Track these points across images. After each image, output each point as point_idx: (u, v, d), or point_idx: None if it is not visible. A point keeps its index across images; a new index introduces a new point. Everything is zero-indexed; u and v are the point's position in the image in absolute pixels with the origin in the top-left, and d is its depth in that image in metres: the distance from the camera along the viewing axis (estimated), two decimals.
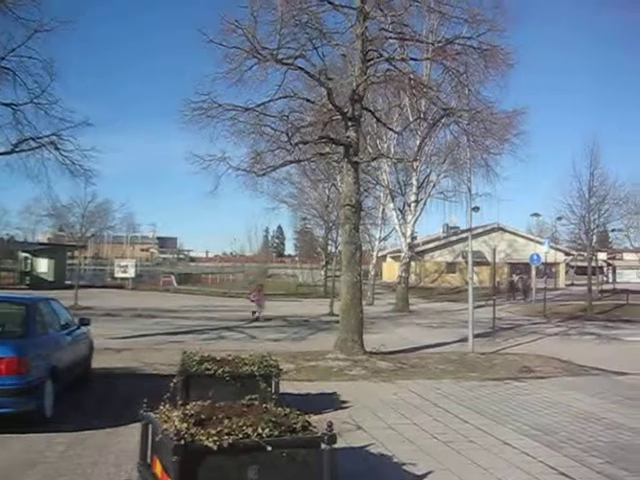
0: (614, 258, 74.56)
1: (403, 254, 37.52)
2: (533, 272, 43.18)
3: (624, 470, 7.22)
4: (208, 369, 7.92)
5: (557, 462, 7.47)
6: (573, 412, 10.41)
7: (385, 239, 46.40)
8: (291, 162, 19.49)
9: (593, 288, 39.42)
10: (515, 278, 48.27)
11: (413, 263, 49.98)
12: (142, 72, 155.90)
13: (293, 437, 4.65)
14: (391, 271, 60.62)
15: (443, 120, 19.41)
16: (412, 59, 18.03)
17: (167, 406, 5.10)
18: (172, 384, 7.25)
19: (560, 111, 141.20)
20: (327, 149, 19.12)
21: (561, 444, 8.31)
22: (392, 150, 34.04)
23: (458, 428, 9.10)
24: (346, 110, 16.10)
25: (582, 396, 11.88)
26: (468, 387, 12.66)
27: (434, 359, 16.23)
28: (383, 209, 40.13)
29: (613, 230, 56.09)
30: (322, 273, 49.76)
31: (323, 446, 4.61)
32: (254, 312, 26.32)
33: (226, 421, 4.63)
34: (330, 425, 4.67)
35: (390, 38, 17.29)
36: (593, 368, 15.44)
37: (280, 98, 16.58)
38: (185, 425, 4.51)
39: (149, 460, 5.18)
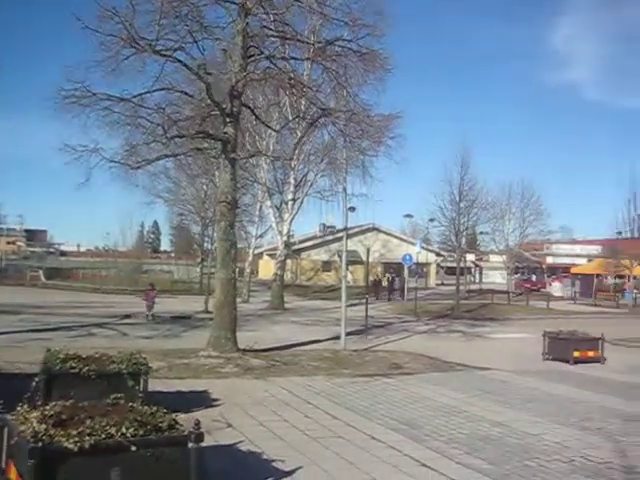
0: (481, 259, 78.22)
1: (279, 252, 37.66)
2: (406, 272, 44.56)
3: (481, 460, 7.61)
4: (73, 367, 7.62)
5: (420, 454, 7.74)
6: (438, 406, 10.83)
7: (262, 237, 46.40)
8: (167, 156, 19.12)
9: (461, 288, 41.19)
10: (381, 277, 49.61)
11: (289, 261, 50.36)
12: (21, 54, 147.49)
13: (159, 436, 4.58)
14: (267, 269, 60.74)
15: (321, 120, 19.58)
16: (293, 58, 18.17)
17: (25, 407, 4.85)
18: (34, 383, 6.93)
19: (434, 116, 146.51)
20: (205, 144, 18.85)
21: (425, 437, 8.62)
22: (271, 148, 34.10)
23: (328, 424, 9.23)
24: (225, 106, 15.96)
25: (447, 391, 12.38)
26: (339, 384, 12.88)
27: (307, 356, 16.40)
28: (260, 207, 40.06)
29: (481, 233, 59.09)
30: (198, 270, 49.15)
31: (190, 445, 4.56)
32: (150, 311, 25.47)
33: (88, 421, 4.49)
34: (197, 423, 4.63)
35: (271, 36, 17.28)
36: (458, 364, 16.15)
37: (157, 90, 16.20)
38: (44, 426, 4.32)
39: (3, 465, 4.90)
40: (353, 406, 10.63)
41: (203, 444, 4.74)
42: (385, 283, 48.07)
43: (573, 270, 60.49)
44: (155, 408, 4.98)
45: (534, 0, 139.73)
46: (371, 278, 42.67)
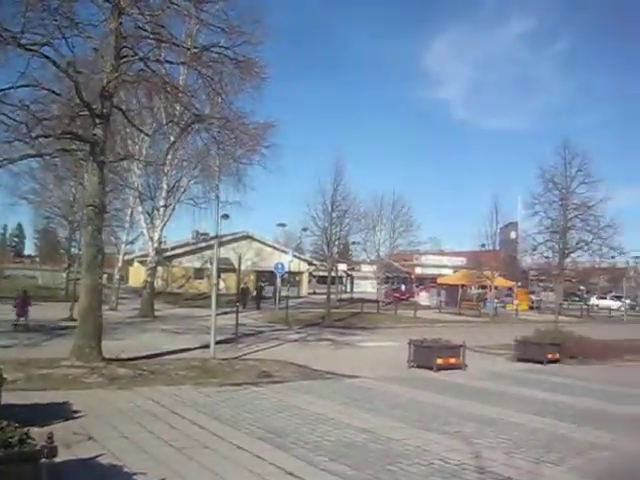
0: (353, 269, 79.78)
1: (150, 258, 36.76)
2: (278, 280, 44.69)
3: (346, 466, 7.74)
4: None
5: (286, 463, 7.76)
6: (305, 414, 10.91)
7: (132, 243, 45.16)
8: (31, 156, 18.16)
9: (332, 297, 41.79)
10: (249, 285, 49.44)
11: (160, 268, 49.25)
12: None
13: (8, 452, 4.32)
14: (138, 276, 59.12)
15: (195, 126, 19.34)
16: (167, 62, 17.79)
17: None
18: None
19: (310, 127, 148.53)
20: (73, 145, 18.11)
21: (291, 445, 8.66)
22: (143, 152, 33.23)
23: (194, 434, 9.08)
24: (95, 107, 15.43)
25: (315, 399, 12.50)
26: (207, 393, 12.71)
27: (175, 365, 16.06)
28: (132, 212, 38.89)
29: (353, 243, 60.23)
30: (64, 275, 47.13)
31: (42, 460, 4.34)
32: (19, 320, 23.82)
33: None
34: (50, 437, 4.41)
35: (146, 37, 16.84)
36: (327, 372, 16.35)
37: (22, 86, 15.34)
38: None
39: None
40: (220, 415, 10.51)
41: (58, 459, 4.53)
42: (254, 291, 47.86)
43: (440, 280, 62.87)
44: (5, 422, 4.69)
45: (410, 19, 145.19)
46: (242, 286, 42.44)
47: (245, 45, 17.52)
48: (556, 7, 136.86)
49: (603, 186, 50.27)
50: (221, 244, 46.93)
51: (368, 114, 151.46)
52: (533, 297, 64.76)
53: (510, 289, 60.63)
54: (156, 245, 36.53)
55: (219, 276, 47.45)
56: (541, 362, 19.65)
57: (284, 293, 42.35)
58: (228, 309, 27.17)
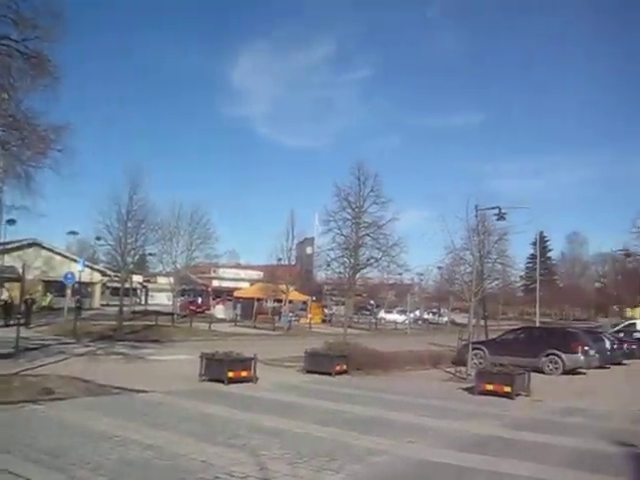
0: (149, 281, 77.89)
1: None
2: (68, 291, 42.47)
3: None
4: None
5: None
6: (88, 432, 10.39)
7: None
8: None
9: (126, 309, 40.46)
10: (12, 298, 43.98)
11: None
12: None
13: None
14: None
15: None
16: None
17: None
18: None
19: (110, 135, 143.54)
20: None
21: (70, 466, 8.19)
22: None
23: None
24: None
25: (100, 415, 11.96)
26: None
27: None
28: None
29: (150, 254, 58.78)
30: None
31: None
32: None
33: None
34: None
35: None
36: (115, 387, 15.69)
37: None
38: None
39: None
40: None
41: None
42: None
43: (236, 294, 63.25)
44: None
45: (218, 35, 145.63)
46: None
47: (38, 40, 16.52)
48: (357, 35, 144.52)
49: (392, 206, 53.54)
50: (5, 251, 43.88)
51: (171, 125, 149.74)
52: (326, 311, 67.22)
53: (305, 303, 62.43)
54: None
55: (2, 285, 44.23)
56: (330, 374, 20.37)
57: (71, 304, 40.31)
58: (12, 321, 25.30)
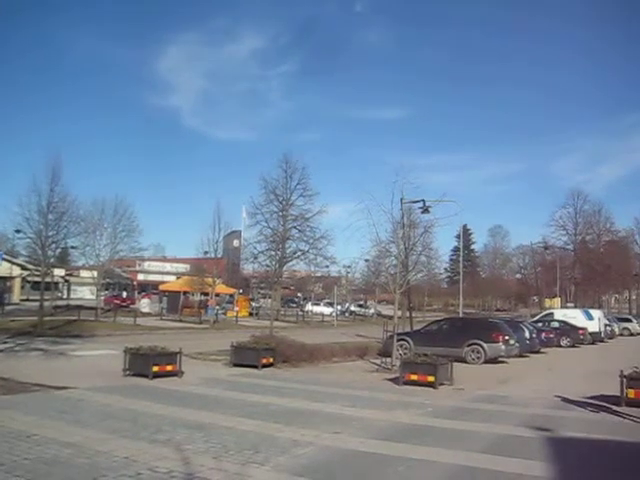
0: (72, 275, 75.89)
1: None
2: None
3: None
4: None
5: None
6: (4, 432, 10.04)
7: None
8: None
9: (47, 304, 39.30)
10: None
11: None
12: None
13: None
14: None
15: None
16: None
17: None
18: None
19: (27, 125, 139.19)
20: None
21: None
22: None
23: None
24: None
25: (17, 414, 11.58)
26: None
27: None
28: None
29: (72, 247, 57.27)
30: None
31: None
32: None
33: None
34: None
35: None
36: (34, 384, 15.23)
37: None
38: None
39: None
40: None
41: None
42: None
43: (162, 287, 62.35)
44: None
45: (144, 23, 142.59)
46: None
47: None
48: (287, 30, 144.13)
49: (319, 199, 53.95)
50: None
51: (93, 115, 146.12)
52: (253, 304, 67.03)
53: (232, 296, 62.10)
54: None
55: None
56: (256, 366, 20.31)
57: None
58: None
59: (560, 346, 37.44)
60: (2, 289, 57.93)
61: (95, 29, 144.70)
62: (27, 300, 59.31)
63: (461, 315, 44.16)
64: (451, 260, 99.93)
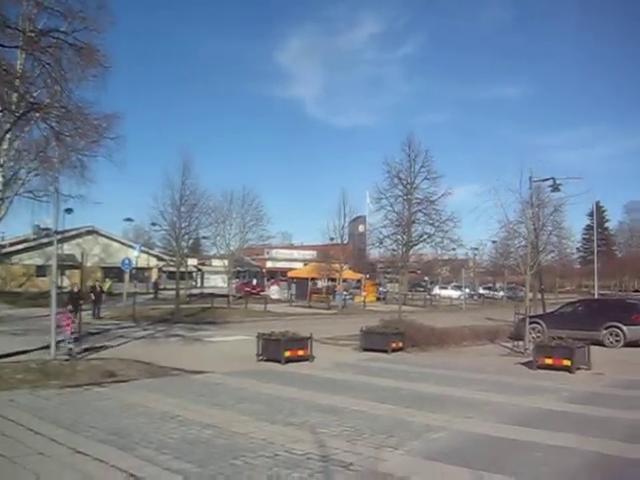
0: (204, 264, 78.93)
1: None
2: (126, 276, 43.38)
3: (190, 463, 7.60)
4: None
5: (128, 464, 7.52)
6: (150, 413, 10.66)
7: None
8: None
9: (182, 292, 41.13)
10: (80, 287, 44.09)
11: None
12: None
13: None
14: None
15: (30, 115, 18.25)
16: (1, 45, 16.68)
17: None
18: None
19: (159, 121, 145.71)
20: None
21: (134, 445, 8.41)
22: None
23: (28, 441, 8.58)
24: None
25: (160, 396, 12.25)
26: (46, 396, 12.09)
27: (11, 368, 15.07)
28: None
29: (203, 237, 59.62)
30: None
31: None
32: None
33: None
34: None
35: None
36: (174, 369, 16.04)
37: None
38: None
39: None
40: (58, 419, 10.01)
41: None
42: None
43: (290, 274, 63.64)
44: None
45: (264, 19, 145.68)
46: (90, 284, 40.26)
47: (86, 31, 16.74)
48: (406, 12, 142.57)
49: (444, 182, 53.09)
50: (64, 240, 44.95)
51: (220, 110, 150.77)
52: (380, 288, 67.06)
53: (359, 281, 62.39)
54: None
55: (63, 273, 45.45)
56: (385, 351, 20.38)
57: (131, 289, 41.12)
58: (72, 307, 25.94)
59: None
60: (155, 279, 61.23)
61: (221, 29, 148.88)
62: (164, 289, 62.35)
63: (597, 296, 42.24)
64: (584, 239, 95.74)
